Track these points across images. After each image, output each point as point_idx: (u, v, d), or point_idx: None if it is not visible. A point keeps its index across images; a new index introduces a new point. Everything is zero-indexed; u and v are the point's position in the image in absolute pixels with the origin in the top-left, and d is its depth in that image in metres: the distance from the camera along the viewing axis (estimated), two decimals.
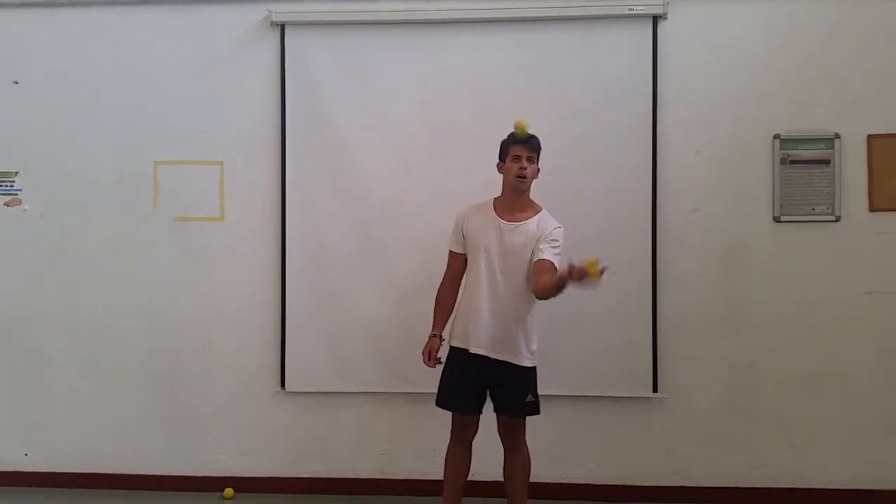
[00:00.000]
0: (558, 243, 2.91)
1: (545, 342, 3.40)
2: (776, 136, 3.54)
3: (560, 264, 2.85)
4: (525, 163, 2.93)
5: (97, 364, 3.76)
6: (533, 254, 2.90)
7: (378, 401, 3.66)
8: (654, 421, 3.59)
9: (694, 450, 3.59)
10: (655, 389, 3.55)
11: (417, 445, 3.62)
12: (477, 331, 2.93)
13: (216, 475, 3.71)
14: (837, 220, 3.52)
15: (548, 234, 2.90)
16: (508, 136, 3.00)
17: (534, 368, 2.99)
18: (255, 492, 3.69)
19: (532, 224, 2.93)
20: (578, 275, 2.57)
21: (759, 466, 3.57)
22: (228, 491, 3.68)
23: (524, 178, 2.93)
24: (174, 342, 3.74)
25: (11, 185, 3.79)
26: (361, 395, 3.66)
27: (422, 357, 3.06)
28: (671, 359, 3.56)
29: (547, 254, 2.87)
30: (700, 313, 3.56)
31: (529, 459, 3.06)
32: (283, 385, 3.68)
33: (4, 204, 3.79)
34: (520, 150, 2.94)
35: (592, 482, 3.62)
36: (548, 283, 2.76)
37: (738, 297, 3.56)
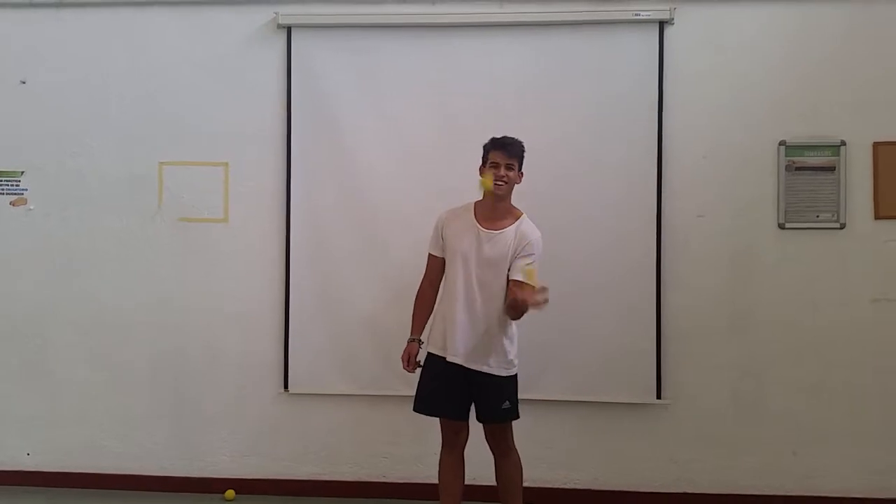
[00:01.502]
0: (533, 255, 2.89)
1: (549, 347, 3.41)
2: (782, 143, 3.53)
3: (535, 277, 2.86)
4: (503, 170, 2.91)
5: (100, 364, 3.76)
6: (510, 268, 2.89)
7: (381, 403, 3.65)
8: (658, 427, 3.58)
9: (697, 456, 3.58)
10: (659, 395, 3.54)
11: (419, 449, 3.62)
12: (453, 340, 2.92)
13: (218, 476, 3.71)
14: (842, 227, 3.51)
15: (523, 246, 2.89)
16: (489, 141, 3.00)
17: (513, 376, 2.98)
18: (256, 493, 3.68)
19: (510, 233, 2.92)
20: (521, 305, 2.71)
21: (763, 473, 3.56)
22: (230, 492, 3.67)
23: (501, 185, 2.91)
24: (177, 343, 3.74)
25: (17, 185, 3.80)
26: (364, 397, 3.66)
27: (401, 362, 3.05)
28: (675, 365, 3.55)
29: (520, 273, 2.85)
30: (704, 319, 3.55)
31: (520, 463, 3.05)
32: (285, 386, 3.68)
33: (10, 203, 3.80)
34: (498, 156, 2.92)
35: (595, 488, 3.61)
36: (505, 309, 2.81)
37: (742, 303, 3.55)
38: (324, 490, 3.68)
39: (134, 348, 3.75)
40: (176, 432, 3.76)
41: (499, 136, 2.98)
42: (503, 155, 2.92)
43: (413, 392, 3.47)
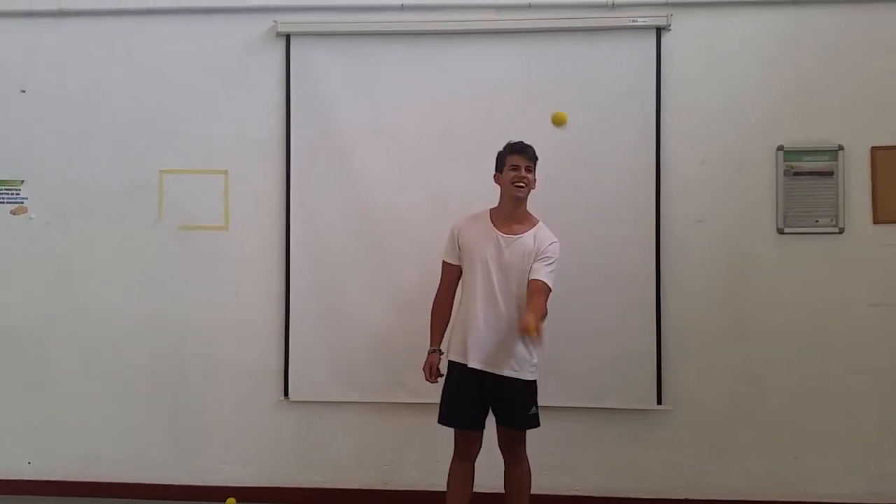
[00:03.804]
0: (552, 259, 2.91)
1: (549, 354, 3.38)
2: (780, 148, 3.54)
3: (553, 281, 2.88)
4: (524, 172, 2.93)
5: (101, 373, 3.76)
6: (529, 270, 2.89)
7: (381, 410, 3.65)
8: (659, 433, 3.59)
9: (698, 462, 3.58)
10: (660, 401, 3.54)
11: (420, 456, 3.62)
12: (476, 345, 2.91)
13: (219, 484, 3.71)
14: (841, 231, 3.52)
15: (543, 250, 2.90)
16: (505, 147, 3.01)
17: (535, 381, 2.98)
18: (257, 501, 3.67)
19: (529, 238, 2.93)
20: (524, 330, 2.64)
21: (764, 478, 3.55)
22: (231, 500, 3.66)
23: (522, 187, 2.93)
24: (178, 351, 3.74)
25: (17, 194, 3.81)
26: (364, 404, 3.66)
27: (423, 373, 3.04)
28: (676, 371, 3.55)
29: (540, 273, 2.86)
30: (704, 325, 3.56)
31: (530, 471, 3.05)
32: (286, 394, 3.68)
33: (10, 212, 3.80)
34: (517, 159, 2.94)
35: (597, 494, 3.60)
36: (525, 317, 2.70)
37: (742, 308, 3.56)
38: (325, 498, 3.67)
39: (134, 357, 3.75)
40: (176, 440, 3.76)
41: (515, 141, 2.99)
42: (523, 158, 2.94)
43: (413, 398, 3.51)
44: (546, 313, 2.86)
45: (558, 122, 2.87)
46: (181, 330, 3.73)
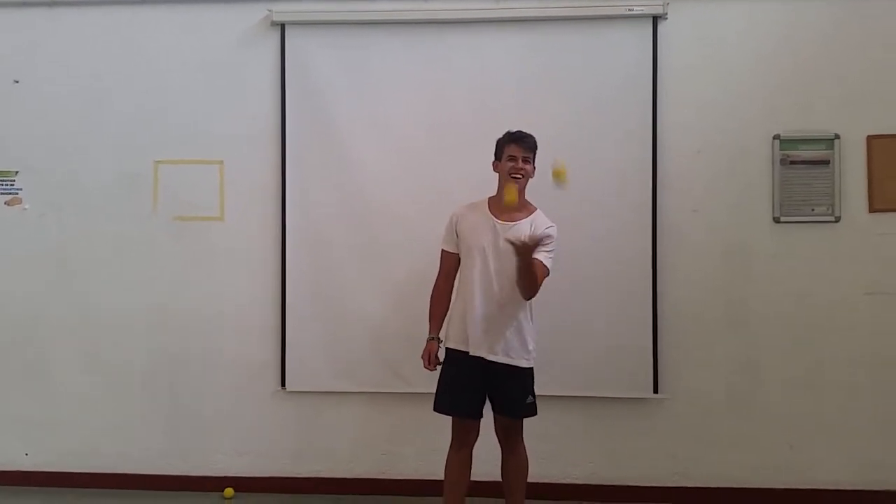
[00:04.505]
0: (551, 241, 2.90)
1: (546, 343, 3.40)
2: (776, 137, 3.54)
3: (551, 264, 2.87)
4: (521, 163, 2.92)
5: (97, 363, 3.76)
6: None
7: (378, 401, 3.66)
8: (655, 422, 3.60)
9: (694, 451, 3.59)
10: (656, 390, 3.54)
11: (418, 445, 3.62)
12: (474, 333, 2.91)
13: (216, 475, 3.71)
14: (837, 220, 3.52)
15: (540, 234, 2.88)
16: (504, 136, 3.00)
17: (532, 369, 2.98)
18: (255, 491, 3.69)
19: (526, 224, 2.93)
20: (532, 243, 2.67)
21: (759, 467, 3.57)
22: (229, 491, 3.68)
23: (519, 177, 2.92)
24: (174, 342, 3.74)
25: (12, 185, 3.79)
26: (361, 394, 3.66)
27: (422, 361, 3.04)
28: (672, 360, 3.56)
29: (537, 254, 2.83)
30: (700, 314, 3.57)
31: (527, 459, 3.06)
32: (283, 385, 3.68)
33: (5, 203, 3.79)
34: (515, 149, 2.93)
35: (593, 483, 3.62)
36: (518, 276, 2.71)
37: (738, 297, 3.56)
38: (322, 487, 3.68)
39: (131, 347, 3.75)
40: (174, 431, 3.76)
41: (514, 130, 2.97)
42: (520, 148, 2.93)
43: (409, 388, 3.52)
44: (539, 281, 2.83)
45: (559, 177, 2.85)
46: (177, 320, 3.73)
